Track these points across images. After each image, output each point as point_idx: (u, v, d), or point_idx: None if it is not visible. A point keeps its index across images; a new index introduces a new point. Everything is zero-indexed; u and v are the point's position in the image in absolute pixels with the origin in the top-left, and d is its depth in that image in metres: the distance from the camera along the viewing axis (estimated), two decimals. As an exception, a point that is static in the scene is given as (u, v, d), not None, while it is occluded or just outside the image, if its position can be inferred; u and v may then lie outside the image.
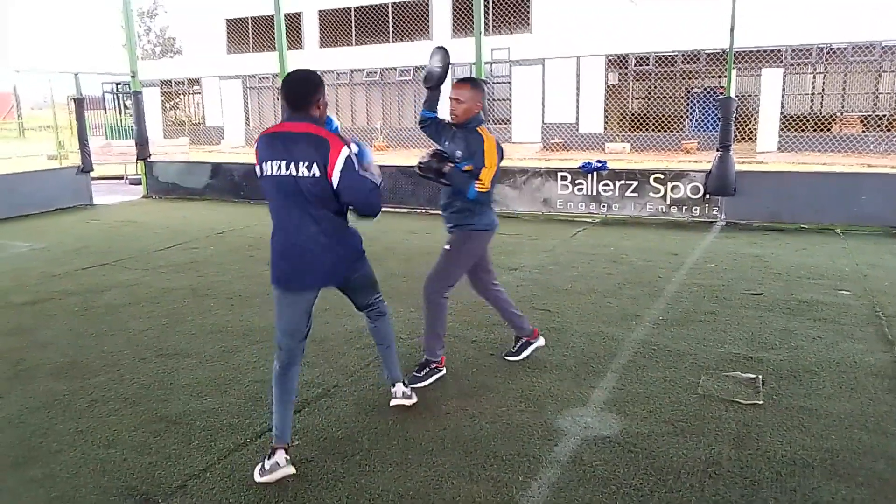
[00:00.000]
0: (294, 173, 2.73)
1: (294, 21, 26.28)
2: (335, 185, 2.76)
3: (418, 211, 10.03)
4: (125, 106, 28.89)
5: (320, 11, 27.03)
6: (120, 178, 15.24)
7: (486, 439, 3.06)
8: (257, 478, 2.74)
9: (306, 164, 2.72)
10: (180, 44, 39.57)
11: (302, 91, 2.80)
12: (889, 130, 19.30)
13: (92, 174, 11.53)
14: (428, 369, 3.75)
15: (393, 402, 3.39)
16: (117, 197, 12.33)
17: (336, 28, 27.01)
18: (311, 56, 26.67)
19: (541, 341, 4.06)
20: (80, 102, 11.50)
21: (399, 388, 3.42)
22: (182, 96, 31.62)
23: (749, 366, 3.85)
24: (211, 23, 29.49)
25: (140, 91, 11.83)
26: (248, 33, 28.63)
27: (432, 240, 7.83)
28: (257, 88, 28.63)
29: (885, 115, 19.61)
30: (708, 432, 3.09)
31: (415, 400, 3.45)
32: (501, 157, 3.61)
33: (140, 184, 12.50)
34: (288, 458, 2.82)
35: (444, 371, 3.81)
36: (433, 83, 3.76)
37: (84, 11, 79.42)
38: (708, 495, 2.60)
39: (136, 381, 3.77)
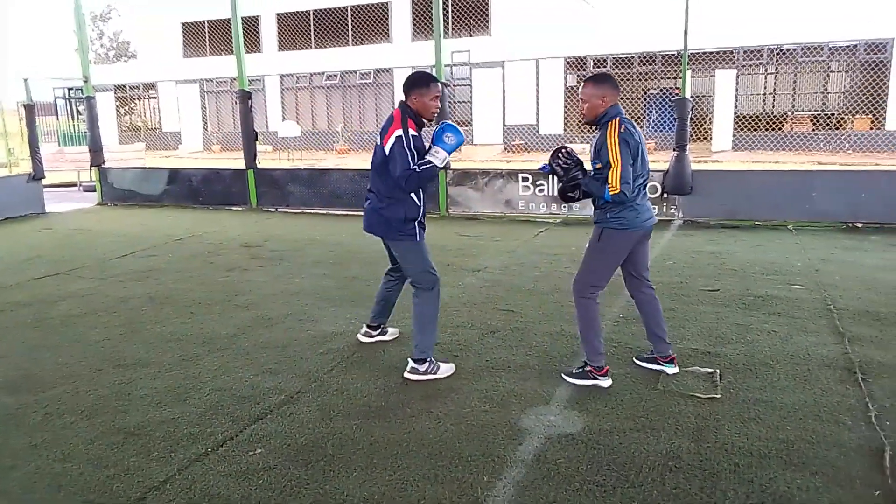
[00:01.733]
0: (378, 142, 3.62)
1: (252, 24, 25.99)
2: (386, 153, 3.51)
3: (381, 214, 9.99)
4: (78, 112, 28.20)
5: (278, 14, 26.79)
6: (73, 185, 14.89)
7: (450, 441, 3.06)
8: None
9: (380, 135, 3.59)
10: (135, 48, 38.81)
11: (403, 87, 3.63)
12: (838, 129, 19.92)
13: (44, 182, 11.24)
14: (582, 370, 3.65)
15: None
16: (71, 205, 12.03)
17: (295, 31, 26.79)
18: (270, 59, 26.41)
19: (672, 369, 3.75)
20: (30, 108, 11.19)
21: (409, 361, 3.82)
22: (137, 101, 31.01)
23: (707, 360, 3.93)
24: (166, 26, 28.98)
25: (93, 96, 11.56)
26: (204, 37, 28.21)
27: (395, 243, 7.81)
28: (215, 93, 28.21)
29: (833, 114, 20.25)
30: (668, 427, 3.15)
31: (412, 377, 3.73)
32: (635, 150, 3.37)
33: (94, 191, 12.22)
34: (367, 332, 4.32)
35: (603, 382, 3.58)
36: (562, 180, 3.60)
37: (34, 15, 77.23)
38: (668, 489, 2.64)
39: (92, 393, 3.68)
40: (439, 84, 3.68)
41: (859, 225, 7.96)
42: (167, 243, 8.04)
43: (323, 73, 26.16)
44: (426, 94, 3.56)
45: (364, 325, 4.38)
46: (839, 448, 2.92)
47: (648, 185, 3.60)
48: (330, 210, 10.39)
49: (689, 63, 8.97)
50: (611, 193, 3.38)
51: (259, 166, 10.93)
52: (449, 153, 3.58)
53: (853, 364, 3.83)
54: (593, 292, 3.63)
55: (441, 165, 3.55)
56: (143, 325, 4.88)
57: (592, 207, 3.65)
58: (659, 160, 15.86)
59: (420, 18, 24.07)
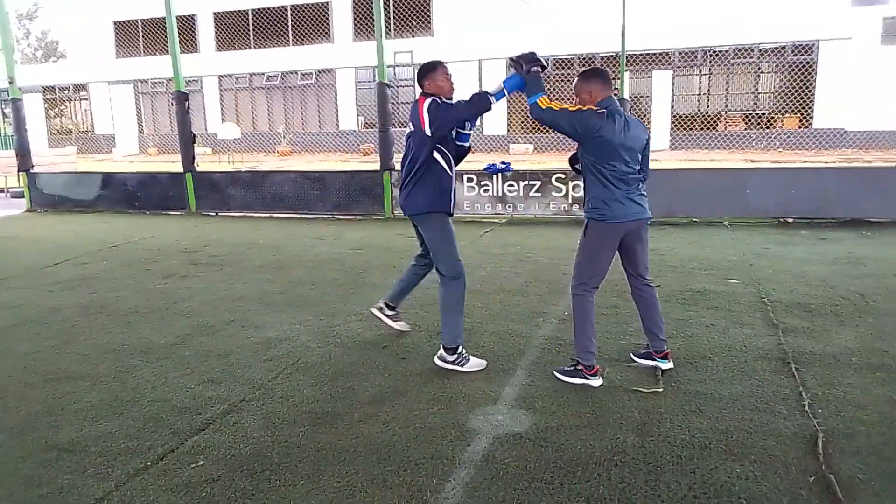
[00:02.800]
0: (411, 128, 3.85)
1: (188, 23, 25.35)
2: (429, 125, 3.68)
3: (325, 217, 9.89)
4: (3, 114, 26.95)
5: (216, 13, 26.21)
6: (0, 191, 14.22)
7: (399, 444, 3.04)
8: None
9: (412, 120, 3.83)
10: (64, 47, 37.37)
11: (417, 79, 3.91)
12: (769, 128, 20.71)
13: (-33, 188, 10.70)
14: (574, 368, 3.68)
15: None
16: (-3, 211, 11.49)
17: (233, 31, 26.25)
18: (208, 59, 25.82)
19: (666, 364, 3.80)
20: (-50, 111, 10.64)
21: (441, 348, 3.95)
22: (68, 103, 29.86)
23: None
24: (97, 25, 27.98)
25: (19, 98, 11.07)
26: (138, 36, 27.36)
27: (340, 245, 7.74)
28: (150, 94, 27.43)
29: (764, 114, 21.04)
30: (613, 422, 3.20)
31: (439, 363, 3.90)
32: (579, 128, 3.44)
33: (23, 197, 11.69)
34: (382, 308, 4.45)
35: (593, 381, 3.59)
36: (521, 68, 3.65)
37: (-47, 12, 73.37)
38: (614, 483, 2.69)
39: (23, 409, 3.51)
40: (445, 65, 3.91)
41: (790, 220, 8.29)
42: (101, 250, 7.75)
43: (263, 74, 25.74)
44: (436, 77, 3.83)
45: (381, 300, 4.50)
46: (775, 436, 3.02)
47: (635, 181, 3.60)
48: (272, 213, 10.22)
49: (626, 64, 9.18)
50: (537, 101, 3.47)
51: (198, 169, 10.67)
52: (507, 89, 3.72)
53: (787, 354, 3.97)
54: (586, 289, 3.66)
55: (493, 94, 3.69)
56: (76, 335, 4.68)
57: (542, 207, 3.73)
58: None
59: (361, 18, 23.91)
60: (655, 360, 3.83)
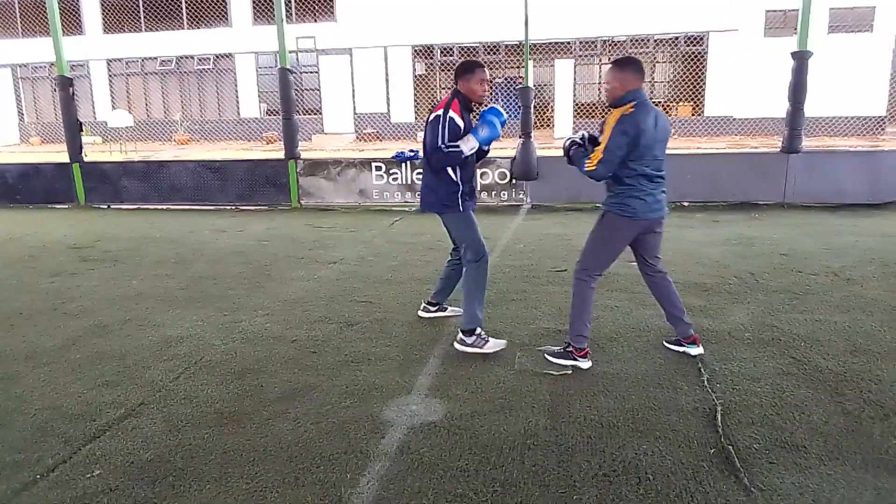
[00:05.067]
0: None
1: (71, 4, 23.73)
2: (427, 139, 3.82)
3: (228, 208, 9.53)
4: None
5: (102, -7, 24.65)
6: None
7: (311, 441, 2.96)
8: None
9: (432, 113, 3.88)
10: (-71, 27, 34.10)
11: (455, 75, 3.91)
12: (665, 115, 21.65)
13: None
14: (563, 351, 3.71)
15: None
16: None
17: (121, 12, 24.76)
18: (95, 42, 24.30)
19: (695, 350, 3.78)
20: None
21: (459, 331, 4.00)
22: (-65, 88, 27.31)
23: (558, 339, 4.08)
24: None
25: None
26: (15, 17, 25.36)
27: (244, 238, 7.48)
28: (31, 79, 25.56)
29: (659, 102, 21.97)
30: (525, 406, 3.24)
31: (459, 347, 3.91)
32: (634, 137, 3.35)
33: None
34: (426, 307, 4.55)
35: (583, 364, 3.62)
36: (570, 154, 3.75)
37: None
38: (528, 466, 2.72)
39: None
40: (485, 69, 3.89)
41: (686, 204, 8.69)
42: (-21, 248, 7.15)
43: (156, 59, 24.47)
44: (471, 79, 3.83)
45: (423, 301, 4.61)
46: (678, 412, 3.14)
47: (663, 176, 3.61)
48: (170, 205, 9.76)
49: (530, 53, 9.31)
50: (586, 168, 3.50)
51: (86, 159, 10.03)
52: (480, 144, 3.82)
53: (686, 332, 4.14)
54: (589, 275, 3.67)
55: (468, 153, 3.77)
56: (-50, 342, 4.29)
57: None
58: (507, 147, 16.41)
59: (261, 2, 23.13)
60: (684, 346, 3.83)
